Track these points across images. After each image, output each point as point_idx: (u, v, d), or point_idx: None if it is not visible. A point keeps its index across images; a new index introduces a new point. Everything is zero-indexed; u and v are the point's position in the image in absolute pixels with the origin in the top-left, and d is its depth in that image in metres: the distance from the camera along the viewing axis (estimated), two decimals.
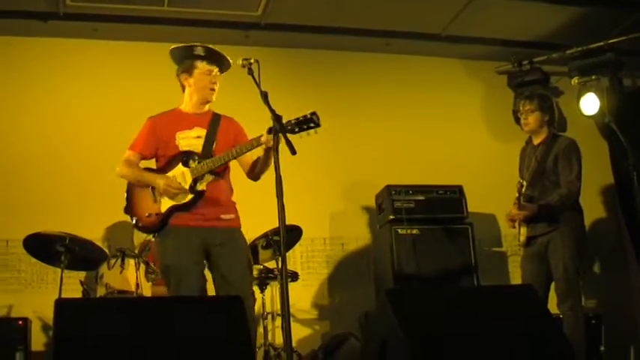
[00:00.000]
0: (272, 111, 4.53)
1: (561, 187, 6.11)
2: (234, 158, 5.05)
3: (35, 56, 7.78)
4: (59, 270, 6.10)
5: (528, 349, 3.88)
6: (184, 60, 5.29)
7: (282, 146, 4.38)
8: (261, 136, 4.86)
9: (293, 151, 4.31)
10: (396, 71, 8.64)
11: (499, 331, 3.89)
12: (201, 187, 5.05)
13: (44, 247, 6.14)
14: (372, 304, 7.42)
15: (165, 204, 5.01)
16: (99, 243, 6.47)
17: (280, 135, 4.41)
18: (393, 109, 8.47)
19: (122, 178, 5.21)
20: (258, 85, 4.68)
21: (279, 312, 6.87)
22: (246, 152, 5.03)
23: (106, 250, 6.43)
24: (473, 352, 3.63)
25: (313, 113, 4.75)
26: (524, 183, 6.08)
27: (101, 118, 7.71)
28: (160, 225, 5.02)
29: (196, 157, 5.10)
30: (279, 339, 6.94)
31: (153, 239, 6.19)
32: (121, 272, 5.97)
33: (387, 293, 4.10)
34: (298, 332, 7.28)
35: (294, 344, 6.24)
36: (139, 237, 6.77)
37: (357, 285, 7.89)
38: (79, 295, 6.35)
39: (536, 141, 6.39)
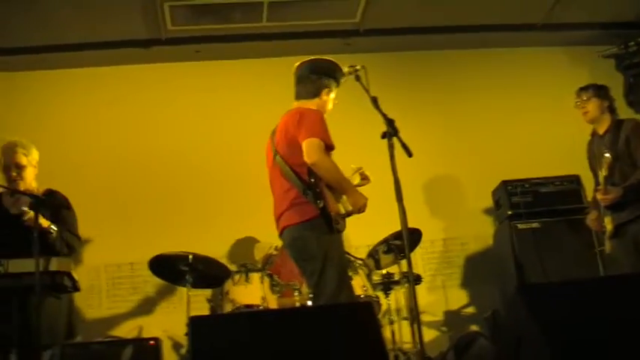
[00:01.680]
0: (384, 115, 4.55)
1: (639, 167, 5.87)
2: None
3: (141, 82, 8.03)
4: (184, 289, 6.23)
5: None
6: (332, 78, 5.31)
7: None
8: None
9: (409, 154, 4.31)
10: (497, 65, 8.54)
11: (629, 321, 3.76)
12: None
13: (169, 267, 6.27)
14: (497, 302, 7.33)
15: (342, 208, 5.02)
16: (221, 259, 6.53)
17: (395, 138, 4.40)
18: (500, 104, 8.34)
19: (317, 167, 4.88)
20: (367, 91, 4.72)
21: (405, 316, 6.83)
22: None
23: (229, 267, 6.47)
24: (615, 343, 3.51)
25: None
26: (604, 170, 5.86)
27: (212, 136, 7.90)
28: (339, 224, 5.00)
29: None
30: (406, 344, 6.89)
31: (275, 252, 6.31)
32: (245, 287, 6.04)
33: (519, 290, 4.02)
34: (425, 335, 7.17)
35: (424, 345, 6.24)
36: (260, 251, 6.87)
37: (480, 284, 7.80)
38: (206, 312, 6.47)
39: (601, 130, 6.17)
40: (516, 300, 3.93)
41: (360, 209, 4.99)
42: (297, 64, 5.38)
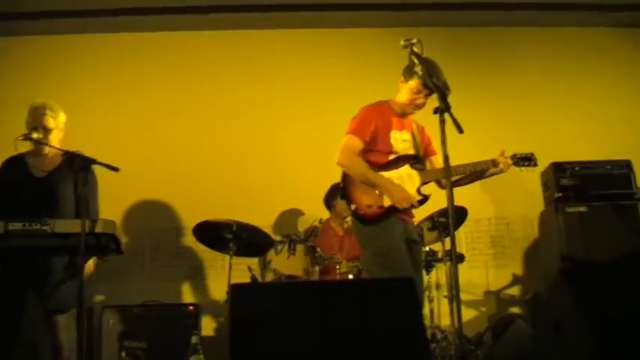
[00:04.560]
0: (438, 90, 4.51)
1: None
2: (462, 173, 5.28)
3: (187, 49, 8.10)
4: (227, 257, 6.26)
5: None
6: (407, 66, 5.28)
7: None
8: (497, 161, 5.28)
9: (460, 130, 4.28)
10: (550, 45, 8.42)
11: None
12: (427, 192, 5.24)
13: (213, 234, 6.28)
14: (539, 284, 7.27)
15: (389, 199, 5.10)
16: (266, 230, 6.58)
17: (446, 114, 4.37)
18: (550, 84, 8.26)
19: (339, 165, 5.19)
20: (423, 65, 4.69)
21: (445, 294, 6.81)
22: (475, 171, 5.31)
23: (273, 237, 6.49)
24: None
25: (532, 154, 5.40)
26: None
27: (259, 106, 7.94)
28: (379, 217, 5.10)
29: (419, 162, 5.35)
30: (445, 321, 6.88)
31: (319, 225, 6.33)
32: (288, 257, 6.05)
33: (562, 273, 3.98)
34: (464, 314, 7.11)
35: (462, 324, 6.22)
36: (305, 223, 6.89)
37: (523, 265, 7.77)
38: (247, 280, 6.52)
39: None
40: (558, 283, 3.90)
41: (399, 203, 5.07)
42: None
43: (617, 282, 4.00)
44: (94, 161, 4.74)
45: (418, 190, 5.20)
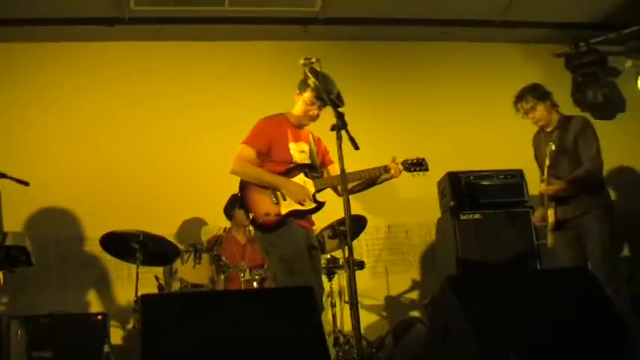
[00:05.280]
0: (334, 108, 4.75)
1: (584, 164, 6.06)
2: (358, 180, 5.44)
3: (103, 60, 8.09)
4: (134, 266, 6.35)
5: (589, 331, 3.97)
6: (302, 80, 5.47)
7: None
8: (388, 167, 5.45)
9: (356, 147, 4.53)
10: (453, 59, 8.74)
11: (560, 315, 3.97)
12: (321, 199, 5.44)
13: (120, 244, 6.37)
14: (436, 289, 7.52)
15: (286, 207, 5.31)
16: (170, 239, 6.69)
17: (343, 132, 4.60)
18: (452, 96, 8.58)
19: (233, 173, 5.39)
20: (315, 85, 5.00)
21: (347, 300, 7.03)
22: (369, 177, 5.48)
23: (178, 246, 6.62)
24: (533, 337, 3.72)
25: (423, 159, 5.57)
26: (547, 160, 6.03)
27: (167, 116, 8.03)
28: (277, 224, 5.28)
29: (314, 171, 5.53)
30: (347, 326, 7.09)
31: (223, 234, 6.49)
32: (194, 266, 6.18)
33: (449, 279, 4.22)
34: (366, 319, 7.45)
35: (362, 331, 6.41)
36: (208, 233, 7.05)
37: (422, 271, 8.06)
38: (154, 289, 6.62)
39: (549, 127, 6.32)
40: (446, 289, 4.14)
41: (297, 197, 5.32)
42: None
43: (505, 288, 4.27)
44: (3, 175, 4.79)
45: (313, 198, 5.40)
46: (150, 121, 7.99)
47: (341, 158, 4.61)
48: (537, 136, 6.49)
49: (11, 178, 4.72)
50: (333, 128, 4.68)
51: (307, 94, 5.41)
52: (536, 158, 6.51)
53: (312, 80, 5.11)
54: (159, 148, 7.89)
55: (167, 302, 3.90)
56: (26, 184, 4.68)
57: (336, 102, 4.97)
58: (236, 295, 4.69)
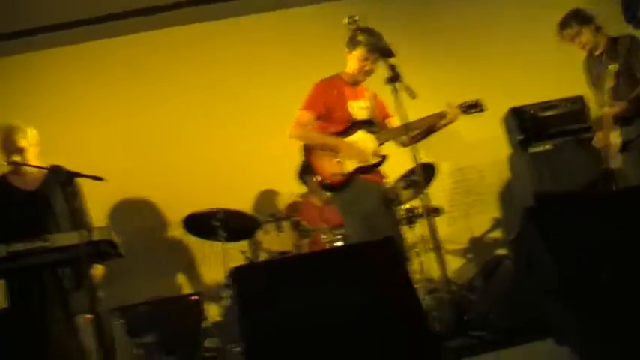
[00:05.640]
0: (385, 61, 4.81)
1: None
2: (417, 129, 5.46)
3: (149, 49, 8.25)
4: (217, 244, 6.52)
5: None
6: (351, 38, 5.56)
7: None
8: (445, 112, 5.52)
9: (413, 95, 4.58)
10: None
11: None
12: (384, 152, 5.53)
13: (201, 224, 6.53)
14: (519, 226, 7.50)
15: (350, 165, 5.40)
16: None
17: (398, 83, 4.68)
18: (497, 30, 8.45)
19: (296, 139, 5.52)
20: (365, 42, 5.05)
21: (431, 247, 7.08)
22: (428, 125, 5.55)
23: (258, 218, 6.75)
24: (617, 255, 3.70)
25: (478, 100, 5.64)
26: (608, 81, 5.93)
27: (225, 95, 8.13)
28: (346, 182, 5.40)
29: (373, 127, 5.59)
30: (435, 273, 7.14)
31: (299, 200, 6.59)
32: (277, 235, 6.31)
33: (527, 211, 4.23)
34: (452, 263, 7.46)
35: (450, 275, 6.51)
36: (283, 202, 7.16)
37: (502, 208, 8.04)
38: (242, 263, 6.76)
39: (597, 51, 6.20)
40: (526, 221, 4.15)
41: (360, 160, 5.41)
42: None
43: (584, 210, 4.26)
44: (77, 174, 4.92)
45: (375, 152, 5.48)
46: (209, 101, 8.10)
47: (399, 108, 4.69)
48: (588, 60, 6.38)
49: (85, 175, 4.84)
50: (388, 81, 4.74)
51: (359, 51, 5.47)
52: (591, 83, 6.42)
53: (361, 37, 5.18)
54: (221, 127, 7.99)
55: (257, 271, 3.98)
56: (100, 179, 4.79)
57: (387, 54, 5.01)
58: (321, 255, 4.76)
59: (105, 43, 8.16)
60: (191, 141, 7.94)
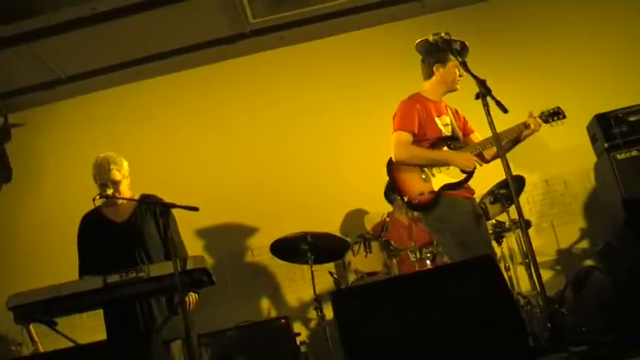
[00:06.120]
0: (474, 77, 4.79)
1: None
2: (502, 141, 5.32)
3: (231, 77, 8.42)
4: (304, 267, 6.55)
5: None
6: (437, 52, 5.51)
7: None
8: (527, 122, 5.42)
9: (504, 110, 4.55)
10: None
11: None
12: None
13: (289, 248, 6.57)
14: (607, 234, 7.40)
15: (437, 182, 5.35)
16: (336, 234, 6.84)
17: (488, 97, 4.63)
18: (575, 36, 8.32)
19: (403, 162, 5.41)
20: (456, 56, 5.00)
21: (519, 261, 7.02)
22: (511, 137, 5.46)
23: (346, 239, 6.75)
24: None
25: (558, 108, 5.55)
26: None
27: (308, 116, 8.23)
28: (434, 201, 5.32)
29: (457, 142, 5.53)
30: (524, 287, 7.07)
31: (388, 219, 6.58)
32: (366, 256, 6.30)
33: (626, 222, 4.18)
34: (544, 275, 7.35)
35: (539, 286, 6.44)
36: (371, 221, 7.16)
37: (588, 219, 7.89)
38: (329, 285, 6.79)
39: None
40: (625, 230, 4.10)
41: (465, 166, 5.33)
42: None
43: None
44: (173, 205, 4.99)
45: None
46: (290, 124, 8.22)
47: (491, 123, 4.66)
48: None
49: (181, 206, 4.91)
50: (478, 96, 4.71)
51: (454, 61, 5.42)
52: None
53: (456, 45, 5.18)
54: (304, 148, 8.11)
55: (355, 295, 3.99)
56: (196, 209, 4.86)
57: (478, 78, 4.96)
58: (418, 276, 4.73)
59: (190, 73, 8.41)
60: (276, 164, 8.06)
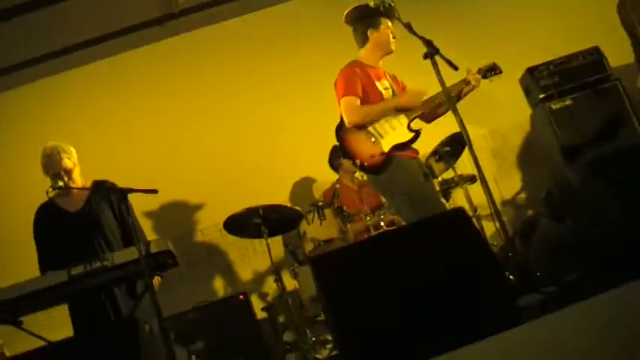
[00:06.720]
0: (421, 38, 4.83)
1: None
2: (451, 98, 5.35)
3: (161, 59, 8.29)
4: (256, 241, 6.64)
5: None
6: (371, 16, 5.55)
7: None
8: (467, 79, 5.48)
9: (455, 67, 4.61)
10: None
11: None
12: (417, 127, 5.48)
13: (243, 223, 6.51)
14: (548, 183, 7.58)
15: (386, 144, 5.37)
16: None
17: (437, 57, 4.69)
18: None
19: (355, 125, 5.40)
20: (399, 19, 5.02)
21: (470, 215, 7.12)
22: (454, 94, 5.44)
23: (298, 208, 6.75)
24: None
25: (494, 63, 5.62)
26: None
27: (246, 91, 8.18)
28: (386, 163, 5.36)
29: None
30: None
31: (338, 186, 6.61)
32: (320, 224, 6.32)
33: (587, 165, 4.25)
34: (488, 229, 7.47)
35: (489, 240, 6.58)
36: (319, 189, 7.18)
37: (528, 169, 8.09)
38: (284, 257, 6.79)
39: None
40: (585, 174, 4.18)
41: (420, 102, 5.45)
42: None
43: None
44: (131, 190, 4.94)
45: (408, 128, 5.46)
46: (228, 101, 8.17)
47: (442, 81, 4.71)
48: (622, 2, 6.38)
49: (139, 190, 4.85)
50: (426, 56, 4.76)
51: (384, 25, 5.53)
52: (625, 24, 6.41)
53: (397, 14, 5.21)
54: (244, 124, 8.06)
55: (334, 259, 3.98)
56: (155, 192, 4.81)
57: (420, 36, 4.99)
58: (390, 236, 4.77)
59: (122, 57, 8.27)
60: (217, 142, 8.02)
